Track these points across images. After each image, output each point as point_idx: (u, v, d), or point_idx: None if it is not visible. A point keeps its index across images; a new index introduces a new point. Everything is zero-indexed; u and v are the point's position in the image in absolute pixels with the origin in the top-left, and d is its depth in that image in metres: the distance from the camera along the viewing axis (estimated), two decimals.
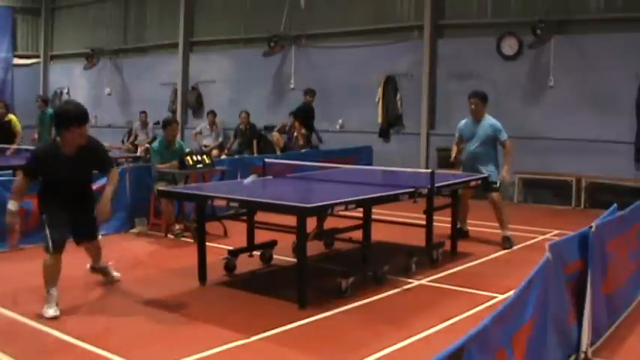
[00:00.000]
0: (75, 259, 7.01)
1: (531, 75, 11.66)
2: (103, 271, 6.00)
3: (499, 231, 7.78)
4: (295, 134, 12.79)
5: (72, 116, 5.11)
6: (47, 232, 5.10)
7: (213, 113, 14.41)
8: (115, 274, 6.02)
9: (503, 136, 7.66)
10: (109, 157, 5.76)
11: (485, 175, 7.56)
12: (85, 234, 5.57)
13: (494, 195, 7.68)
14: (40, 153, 5.37)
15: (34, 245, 7.28)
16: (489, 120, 7.74)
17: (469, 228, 8.16)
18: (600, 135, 10.74)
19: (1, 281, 6.02)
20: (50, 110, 13.89)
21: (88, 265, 5.98)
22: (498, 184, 7.73)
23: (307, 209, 5.14)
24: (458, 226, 7.95)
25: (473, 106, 7.76)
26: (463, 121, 8.03)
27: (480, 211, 8.26)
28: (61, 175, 5.18)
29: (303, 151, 11.83)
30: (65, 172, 5.17)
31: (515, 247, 7.60)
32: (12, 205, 5.26)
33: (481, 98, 7.77)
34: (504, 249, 7.51)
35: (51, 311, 4.97)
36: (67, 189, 5.25)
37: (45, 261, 5.10)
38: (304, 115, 12.53)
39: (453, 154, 8.04)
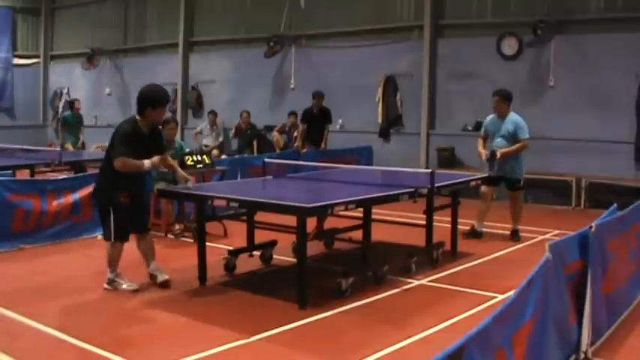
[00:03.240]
0: (77, 260, 7.04)
1: (531, 75, 11.66)
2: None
3: (500, 231, 7.80)
4: (296, 135, 12.76)
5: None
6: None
7: (213, 113, 14.41)
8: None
9: (524, 135, 7.68)
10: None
11: (486, 175, 7.60)
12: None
13: (516, 193, 7.86)
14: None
15: (33, 245, 7.30)
16: (513, 117, 7.79)
17: (468, 227, 8.14)
18: (600, 135, 10.74)
19: (1, 281, 6.02)
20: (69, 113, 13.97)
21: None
22: (522, 183, 7.86)
23: (307, 209, 5.14)
24: (474, 227, 7.99)
25: (494, 104, 7.85)
26: (489, 117, 8.09)
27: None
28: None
29: (303, 150, 11.77)
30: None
31: (515, 247, 7.61)
32: (147, 163, 5.53)
33: (503, 96, 7.83)
34: (513, 240, 7.69)
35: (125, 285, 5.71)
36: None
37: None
38: (303, 119, 12.17)
39: (481, 149, 8.02)
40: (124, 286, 5.73)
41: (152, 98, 5.61)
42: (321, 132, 12.04)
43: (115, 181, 5.58)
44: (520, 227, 8.01)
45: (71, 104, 13.78)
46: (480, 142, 8.11)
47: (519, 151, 7.74)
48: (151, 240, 6.02)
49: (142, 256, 5.97)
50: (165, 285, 5.84)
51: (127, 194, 5.61)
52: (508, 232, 7.95)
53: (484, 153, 7.93)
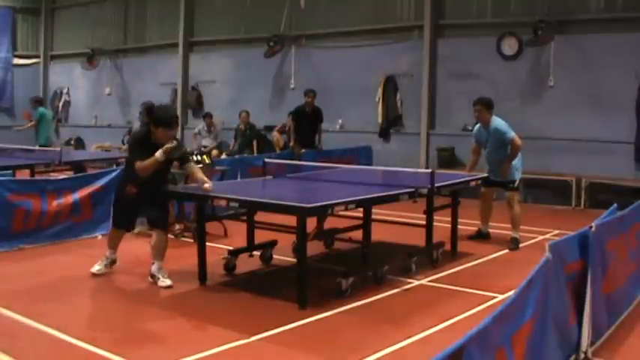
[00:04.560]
0: (77, 260, 7.03)
1: (531, 75, 11.66)
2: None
3: (501, 231, 7.78)
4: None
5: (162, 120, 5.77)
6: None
7: (209, 115, 14.29)
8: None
9: (509, 136, 7.51)
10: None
11: (486, 175, 7.60)
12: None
13: (509, 194, 7.70)
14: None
15: (33, 245, 7.30)
16: (495, 124, 7.63)
17: (468, 228, 8.14)
18: (600, 135, 10.74)
19: (1, 281, 6.02)
20: (41, 109, 13.92)
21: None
22: (515, 184, 7.72)
23: (307, 209, 5.14)
24: (479, 228, 7.98)
25: (476, 113, 7.71)
26: (476, 127, 8.02)
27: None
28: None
29: (302, 151, 11.68)
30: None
31: None
32: (158, 154, 5.64)
33: (484, 105, 7.67)
34: (508, 249, 7.48)
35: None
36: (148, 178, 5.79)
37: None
38: (294, 118, 11.90)
39: (469, 166, 8.07)
40: (94, 267, 6.16)
41: (155, 117, 5.80)
42: (313, 133, 11.75)
43: (130, 172, 5.92)
44: (519, 235, 7.70)
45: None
46: (472, 157, 8.07)
47: (516, 157, 7.59)
48: (163, 240, 6.00)
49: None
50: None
51: (135, 186, 5.85)
52: (509, 234, 7.86)
53: (468, 169, 7.96)
